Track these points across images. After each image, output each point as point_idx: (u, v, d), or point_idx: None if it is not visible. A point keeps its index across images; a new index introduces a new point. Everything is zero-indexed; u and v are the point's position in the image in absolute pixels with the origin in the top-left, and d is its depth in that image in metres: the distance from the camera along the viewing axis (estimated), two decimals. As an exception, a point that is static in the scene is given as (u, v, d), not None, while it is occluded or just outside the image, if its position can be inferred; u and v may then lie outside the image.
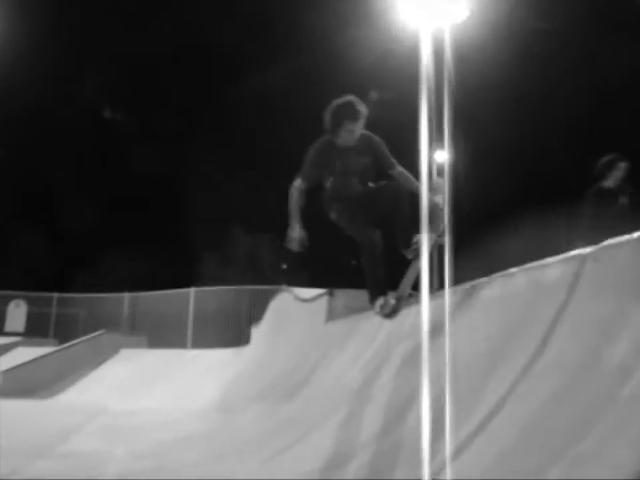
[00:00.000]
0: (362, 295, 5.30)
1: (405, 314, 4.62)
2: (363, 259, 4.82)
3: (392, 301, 4.69)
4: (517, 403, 2.33)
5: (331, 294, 7.79)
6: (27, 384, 14.64)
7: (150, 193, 38.17)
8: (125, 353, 16.51)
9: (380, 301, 4.74)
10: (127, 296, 21.16)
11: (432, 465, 2.49)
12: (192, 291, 19.42)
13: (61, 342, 18.82)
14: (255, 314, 16.09)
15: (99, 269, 34.96)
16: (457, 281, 4.73)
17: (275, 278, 23.35)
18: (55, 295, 22.21)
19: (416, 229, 4.92)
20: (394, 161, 5.02)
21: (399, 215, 4.87)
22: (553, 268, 2.86)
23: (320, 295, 8.20)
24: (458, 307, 3.73)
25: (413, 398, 3.37)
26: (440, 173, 17.73)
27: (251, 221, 33.27)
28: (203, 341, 17.98)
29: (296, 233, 4.79)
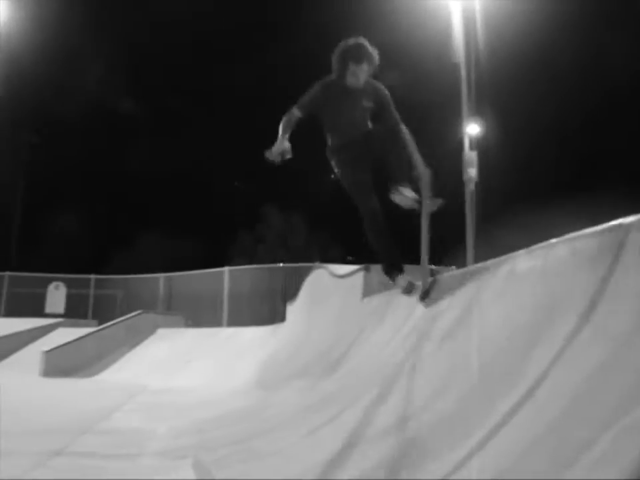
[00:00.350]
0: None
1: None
2: (368, 231, 4.79)
3: (417, 283, 4.69)
4: (563, 374, 2.30)
5: (366, 269, 7.77)
6: (69, 363, 14.98)
7: (183, 174, 38.44)
8: (162, 332, 16.74)
9: (401, 281, 4.74)
10: (162, 276, 21.44)
11: (477, 436, 2.47)
12: (226, 270, 19.58)
13: (100, 322, 19.17)
14: (290, 292, 16.17)
15: (135, 251, 35.46)
16: (490, 253, 4.68)
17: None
18: (93, 276, 22.63)
19: (409, 171, 4.83)
20: (398, 117, 4.93)
21: (395, 152, 4.79)
22: (595, 237, 2.79)
23: (355, 271, 8.18)
24: (497, 278, 3.68)
25: (454, 371, 3.35)
26: (472, 146, 17.53)
27: (284, 200, 33.38)
28: (238, 319, 18.18)
29: (281, 144, 4.65)
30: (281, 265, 19.33)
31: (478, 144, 17.87)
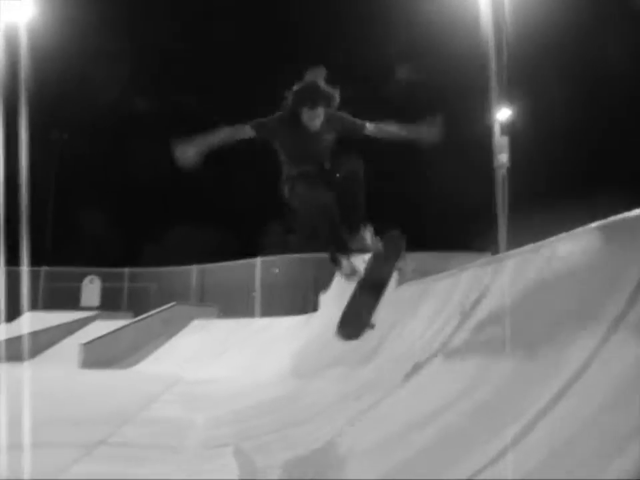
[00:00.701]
0: (432, 258, 5.26)
1: (481, 275, 4.57)
2: (318, 223, 4.57)
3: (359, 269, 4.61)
4: (607, 361, 2.27)
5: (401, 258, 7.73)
6: (107, 355, 15.25)
7: (214, 166, 38.63)
8: (196, 324, 16.89)
9: (346, 267, 4.56)
10: (194, 268, 21.60)
11: (518, 425, 2.46)
12: (258, 260, 19.63)
13: (135, 315, 19.42)
14: (322, 281, 16.17)
15: (167, 244, 35.80)
16: (523, 240, 4.61)
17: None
18: (127, 270, 22.93)
19: (364, 218, 4.68)
20: (362, 121, 4.71)
21: (352, 196, 4.61)
22: (634, 222, 2.75)
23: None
24: (535, 265, 3.65)
25: (492, 360, 3.34)
26: (503, 131, 17.32)
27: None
28: (271, 309, 18.24)
29: (192, 152, 4.45)
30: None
31: (509, 129, 17.66)
